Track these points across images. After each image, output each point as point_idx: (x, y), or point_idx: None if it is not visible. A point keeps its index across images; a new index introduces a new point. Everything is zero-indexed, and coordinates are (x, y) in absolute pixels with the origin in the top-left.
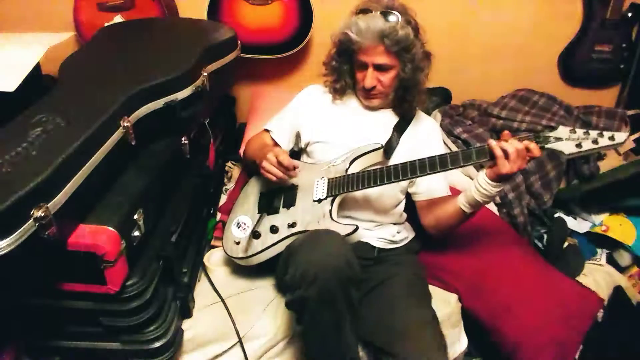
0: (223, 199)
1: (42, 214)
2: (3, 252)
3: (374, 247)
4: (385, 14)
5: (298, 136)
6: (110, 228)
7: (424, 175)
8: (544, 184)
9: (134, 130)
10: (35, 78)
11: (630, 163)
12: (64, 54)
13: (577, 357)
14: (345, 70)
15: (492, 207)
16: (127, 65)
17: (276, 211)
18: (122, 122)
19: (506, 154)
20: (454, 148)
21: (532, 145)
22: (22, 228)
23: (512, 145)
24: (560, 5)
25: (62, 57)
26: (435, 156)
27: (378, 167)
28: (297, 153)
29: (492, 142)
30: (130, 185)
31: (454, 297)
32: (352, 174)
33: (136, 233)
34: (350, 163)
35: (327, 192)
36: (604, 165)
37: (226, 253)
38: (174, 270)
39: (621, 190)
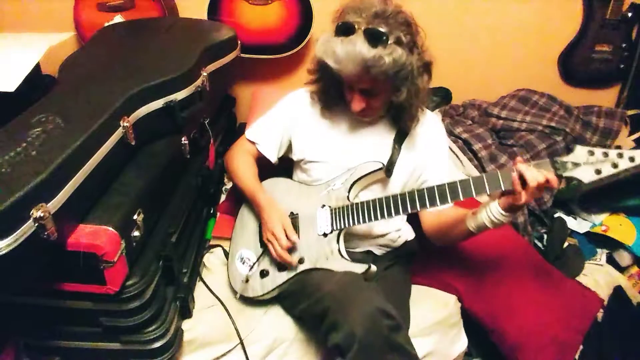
0: (223, 198)
1: (42, 214)
2: (3, 253)
3: (376, 254)
4: (370, 35)
5: (289, 146)
6: (110, 228)
7: (433, 207)
8: None
9: (134, 130)
10: (35, 78)
11: None
12: (64, 54)
13: (577, 357)
14: (330, 85)
15: None
16: (126, 65)
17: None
18: (121, 122)
19: (523, 185)
20: (455, 148)
21: (551, 177)
22: (22, 228)
23: (532, 176)
24: (560, 5)
25: (62, 57)
26: (444, 185)
27: (383, 196)
28: (286, 159)
29: (514, 174)
30: (130, 185)
31: (453, 297)
32: (356, 204)
33: (136, 233)
34: (351, 186)
35: (332, 225)
36: None
37: (235, 290)
38: (174, 270)
39: (621, 190)
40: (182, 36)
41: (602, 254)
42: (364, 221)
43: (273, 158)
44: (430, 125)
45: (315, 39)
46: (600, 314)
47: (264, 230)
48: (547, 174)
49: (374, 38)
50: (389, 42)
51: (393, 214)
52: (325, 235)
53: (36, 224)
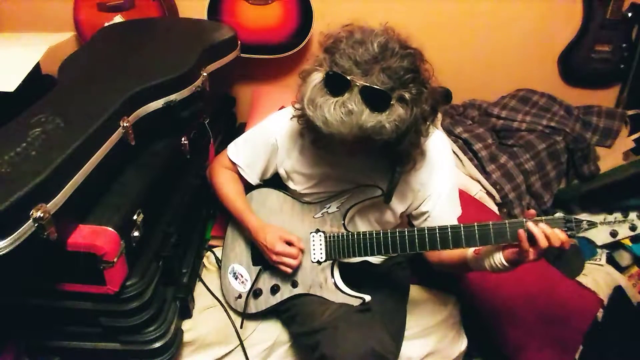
0: None
1: (42, 215)
2: (2, 253)
3: (373, 263)
4: (368, 96)
5: (276, 172)
6: (110, 228)
7: (434, 250)
8: (544, 184)
9: (134, 130)
10: (35, 78)
11: (630, 163)
12: (64, 54)
13: (577, 357)
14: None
15: (492, 206)
16: (126, 65)
17: (272, 265)
18: (121, 122)
19: (533, 243)
20: (455, 148)
21: (563, 237)
22: (22, 228)
23: (543, 238)
24: (560, 5)
25: (62, 57)
26: (448, 231)
27: (381, 232)
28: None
29: (521, 231)
30: (130, 185)
31: (453, 297)
32: (353, 235)
33: (136, 233)
34: (347, 211)
35: (326, 254)
36: (604, 165)
37: (229, 305)
38: (174, 270)
39: (621, 190)
40: (182, 36)
41: (602, 254)
42: (360, 255)
43: (255, 182)
44: (436, 147)
45: (315, 38)
46: (600, 314)
47: (267, 254)
48: (560, 235)
49: (374, 101)
50: (391, 103)
51: (390, 251)
52: (319, 262)
53: (36, 224)
